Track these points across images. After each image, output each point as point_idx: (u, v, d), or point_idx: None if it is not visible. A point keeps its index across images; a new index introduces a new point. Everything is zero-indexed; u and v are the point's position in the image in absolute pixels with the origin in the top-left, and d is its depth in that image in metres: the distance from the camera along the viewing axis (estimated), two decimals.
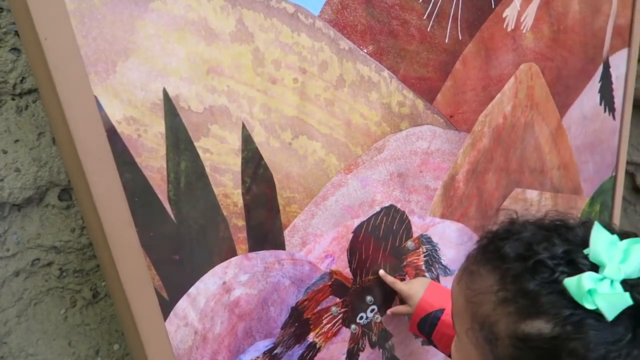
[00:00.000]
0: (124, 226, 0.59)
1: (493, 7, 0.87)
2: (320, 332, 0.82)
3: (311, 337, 0.81)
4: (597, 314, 0.43)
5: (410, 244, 0.89)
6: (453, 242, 0.96)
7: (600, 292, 0.43)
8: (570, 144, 1.13)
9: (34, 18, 0.48)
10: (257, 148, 0.67)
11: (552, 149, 1.09)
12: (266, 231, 0.71)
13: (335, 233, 0.79)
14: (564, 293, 0.45)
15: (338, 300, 0.83)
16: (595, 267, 0.45)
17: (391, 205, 0.84)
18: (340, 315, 0.84)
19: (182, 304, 0.66)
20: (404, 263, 0.90)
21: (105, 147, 0.55)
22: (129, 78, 0.56)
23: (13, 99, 0.93)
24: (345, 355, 0.87)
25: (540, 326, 0.46)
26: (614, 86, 1.17)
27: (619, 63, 1.16)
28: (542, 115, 1.03)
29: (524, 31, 0.93)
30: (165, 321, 0.65)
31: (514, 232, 0.52)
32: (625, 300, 0.43)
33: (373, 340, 0.90)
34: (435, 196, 0.90)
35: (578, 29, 1.03)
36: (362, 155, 0.78)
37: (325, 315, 0.82)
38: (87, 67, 0.53)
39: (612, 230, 0.47)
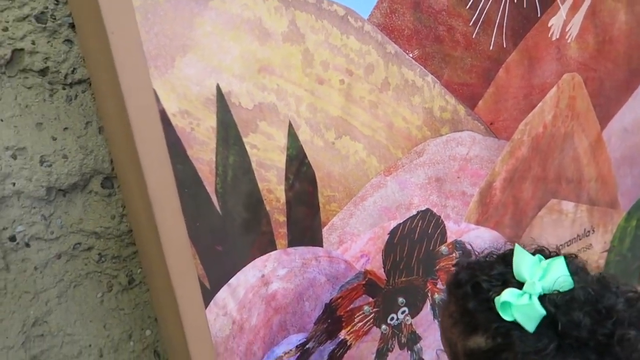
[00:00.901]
0: (173, 216, 0.61)
1: (539, 15, 0.87)
2: (351, 330, 0.83)
3: (343, 334, 0.83)
4: (521, 327, 0.48)
5: (444, 248, 0.90)
6: (488, 249, 0.96)
7: (516, 305, 0.48)
8: (610, 156, 1.11)
9: (102, 13, 0.51)
10: (301, 146, 0.69)
11: (591, 160, 1.08)
12: (306, 228, 0.73)
13: (372, 233, 0.80)
14: (495, 309, 0.50)
15: (370, 299, 0.84)
16: (521, 285, 0.50)
17: (427, 209, 0.85)
18: (372, 315, 0.85)
19: (223, 293, 0.68)
20: (437, 267, 0.90)
21: (160, 138, 0.58)
22: (185, 73, 0.58)
23: (64, 89, 0.97)
24: (374, 355, 0.88)
25: (478, 341, 0.51)
26: None
27: None
28: (582, 126, 1.03)
29: (568, 41, 0.93)
30: (206, 309, 0.67)
31: (470, 263, 0.58)
32: (539, 311, 0.47)
33: (402, 341, 0.91)
34: (472, 202, 0.90)
35: (623, 40, 1.02)
36: (402, 158, 0.79)
37: (358, 314, 0.83)
38: (148, 61, 0.55)
39: (543, 251, 0.54)
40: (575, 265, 0.53)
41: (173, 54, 0.57)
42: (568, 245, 1.13)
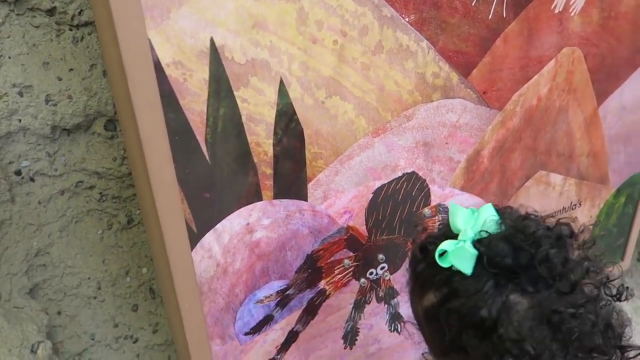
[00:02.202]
0: (163, 161, 0.64)
1: None
2: (331, 281, 0.88)
3: (322, 284, 0.88)
4: (459, 272, 0.52)
5: (427, 211, 0.93)
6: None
7: (450, 251, 0.52)
8: (604, 132, 1.12)
9: None
10: (291, 103, 0.71)
11: (584, 135, 1.09)
12: (291, 182, 0.76)
13: (356, 192, 0.83)
14: (438, 265, 0.53)
15: (351, 254, 0.88)
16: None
17: (413, 172, 0.88)
18: (351, 268, 0.89)
19: (208, 237, 0.73)
20: (418, 228, 0.94)
21: (154, 86, 0.60)
22: (180, 25, 0.60)
23: (70, 30, 0.99)
24: (352, 305, 0.93)
25: (430, 298, 0.55)
26: None
27: None
28: (578, 101, 1.03)
29: (572, 14, 0.92)
30: (192, 251, 0.72)
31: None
32: (470, 252, 0.51)
33: (380, 295, 0.96)
34: (458, 169, 0.93)
35: (630, 17, 1.01)
36: (391, 120, 0.81)
37: (338, 266, 0.88)
38: (144, 11, 0.57)
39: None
40: (503, 209, 0.57)
41: (169, 5, 0.59)
42: (552, 217, 1.15)
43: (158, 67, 0.60)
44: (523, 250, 0.51)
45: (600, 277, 0.54)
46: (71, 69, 1.00)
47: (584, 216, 1.22)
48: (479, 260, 0.52)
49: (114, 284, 1.21)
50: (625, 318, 0.55)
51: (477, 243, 0.52)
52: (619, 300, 0.55)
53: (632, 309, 1.55)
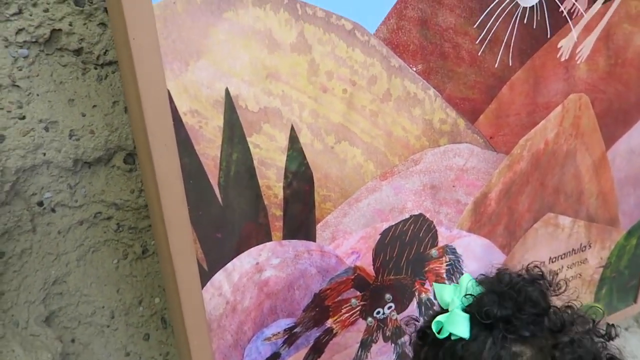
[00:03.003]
0: (178, 203, 0.68)
1: (549, 36, 0.89)
2: (338, 320, 0.90)
3: (329, 322, 0.89)
4: (459, 339, 0.55)
5: (434, 251, 0.95)
6: (477, 255, 1.01)
7: (445, 322, 0.56)
8: (613, 175, 1.13)
9: (126, 20, 0.57)
10: (302, 148, 0.74)
11: (593, 178, 1.10)
12: (300, 223, 0.78)
13: (364, 233, 0.85)
14: (439, 341, 0.58)
15: (358, 293, 0.90)
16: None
17: (420, 214, 0.90)
18: (358, 307, 0.91)
19: (219, 276, 0.75)
20: (426, 269, 0.95)
21: (171, 133, 0.64)
22: (197, 76, 0.64)
23: (95, 68, 1.05)
24: (358, 344, 0.94)
25: None
26: None
27: None
28: (586, 145, 1.05)
29: (578, 62, 0.95)
30: (202, 289, 0.74)
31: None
32: (461, 315, 0.55)
33: (387, 334, 0.97)
34: (465, 211, 0.95)
35: (637, 63, 1.03)
36: (399, 164, 0.84)
37: (345, 305, 0.89)
38: (164, 64, 0.61)
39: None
40: (481, 275, 0.61)
41: (187, 58, 0.62)
42: (562, 259, 1.16)
43: (175, 115, 0.64)
44: (506, 296, 0.55)
45: (584, 318, 0.57)
46: (94, 106, 1.05)
47: (594, 258, 1.22)
48: (472, 322, 0.55)
49: (127, 313, 1.24)
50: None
51: (466, 307, 0.56)
52: (610, 339, 0.57)
53: (638, 341, 1.53)
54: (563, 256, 1.15)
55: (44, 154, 1.03)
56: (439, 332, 0.56)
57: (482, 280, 0.60)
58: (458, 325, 0.55)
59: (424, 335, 0.60)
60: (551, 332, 0.54)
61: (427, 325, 0.60)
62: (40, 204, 1.07)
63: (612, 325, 0.59)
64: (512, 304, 0.55)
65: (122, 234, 1.19)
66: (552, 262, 1.14)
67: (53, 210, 1.09)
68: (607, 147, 1.09)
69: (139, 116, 0.64)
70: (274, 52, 0.67)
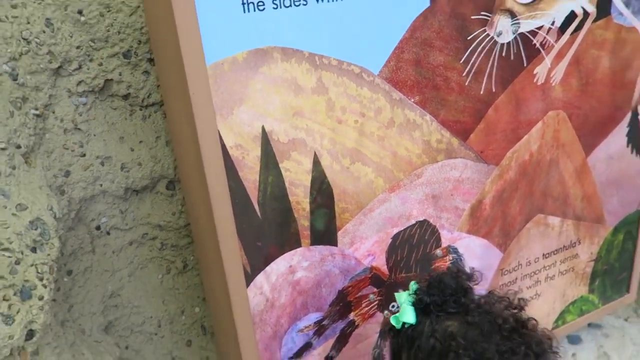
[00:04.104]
0: (226, 218, 0.84)
1: (525, 65, 1.05)
2: (359, 313, 1.05)
3: (352, 315, 1.05)
4: (410, 326, 0.77)
5: (438, 251, 1.10)
6: (477, 254, 1.16)
7: (398, 314, 0.79)
8: (595, 179, 1.28)
9: (187, 79, 0.74)
10: (323, 170, 0.91)
11: (576, 182, 1.25)
12: (324, 231, 0.95)
13: (377, 237, 1.01)
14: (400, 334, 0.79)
15: (375, 290, 1.05)
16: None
17: (425, 220, 1.06)
18: (376, 302, 1.06)
19: (260, 278, 0.91)
20: (432, 267, 1.11)
21: (221, 164, 0.81)
22: (240, 118, 0.81)
23: (140, 109, 1.23)
24: (377, 334, 1.09)
25: (403, 356, 0.78)
26: None
27: None
28: (567, 154, 1.20)
29: (553, 84, 1.11)
30: (247, 288, 0.90)
31: None
32: (409, 307, 0.77)
33: None
34: (463, 215, 1.10)
35: (607, 82, 1.19)
36: (404, 179, 1.00)
37: (365, 300, 1.05)
38: (215, 110, 0.78)
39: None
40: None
41: (232, 105, 0.80)
42: (555, 254, 1.30)
43: (224, 149, 0.81)
44: (432, 287, 0.77)
45: (502, 297, 0.79)
46: (141, 141, 1.23)
47: (585, 253, 1.36)
48: (416, 311, 0.76)
49: (172, 322, 1.41)
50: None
51: (412, 302, 0.78)
52: (522, 309, 0.78)
53: (638, 331, 1.65)
54: (555, 252, 1.30)
55: (101, 185, 1.20)
56: (397, 325, 0.77)
57: (417, 280, 0.82)
58: (407, 315, 0.76)
59: (391, 331, 0.80)
60: (468, 306, 0.75)
61: (388, 325, 0.81)
62: (98, 228, 1.25)
63: (523, 299, 0.80)
64: (437, 292, 0.76)
65: (165, 251, 1.36)
66: (546, 257, 1.29)
67: (108, 233, 1.27)
68: (587, 154, 1.24)
69: (194, 150, 0.81)
70: (299, 95, 0.84)
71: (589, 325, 1.66)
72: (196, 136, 0.79)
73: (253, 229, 0.88)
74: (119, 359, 1.30)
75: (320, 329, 1.02)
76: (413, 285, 0.81)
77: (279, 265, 0.93)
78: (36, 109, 1.07)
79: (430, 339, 0.72)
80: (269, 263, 0.92)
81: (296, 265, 0.94)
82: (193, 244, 1.35)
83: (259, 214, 0.88)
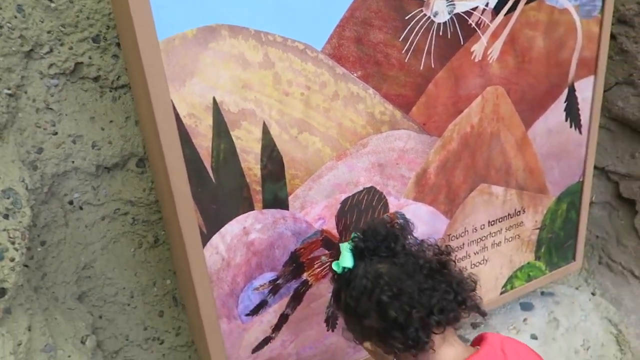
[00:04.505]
0: (183, 183, 0.92)
1: (462, 43, 1.15)
2: (312, 273, 1.14)
3: (305, 275, 1.14)
4: (349, 270, 0.85)
5: (386, 216, 1.19)
6: (424, 220, 1.25)
7: (339, 260, 0.87)
8: (536, 151, 1.38)
9: (141, 54, 0.82)
10: (272, 139, 0.99)
11: (518, 154, 1.35)
12: (276, 195, 1.03)
13: (327, 202, 1.10)
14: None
15: (327, 252, 1.14)
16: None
17: (372, 187, 1.15)
18: (327, 263, 1.15)
19: (215, 238, 1.00)
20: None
21: (175, 132, 0.89)
22: (192, 90, 0.89)
23: (110, 91, 1.31)
24: (330, 294, 1.18)
25: (342, 295, 0.86)
26: (580, 106, 1.41)
27: (584, 88, 1.39)
28: (507, 127, 1.30)
29: (490, 62, 1.20)
30: (203, 248, 0.99)
31: None
32: (347, 253, 0.86)
33: None
34: (409, 183, 1.19)
35: (543, 60, 1.28)
36: (350, 148, 1.09)
37: (317, 262, 1.14)
38: (168, 82, 0.86)
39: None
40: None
41: (184, 78, 0.88)
42: (500, 222, 1.40)
43: (178, 118, 0.89)
44: (367, 234, 0.86)
45: (432, 245, 0.88)
46: (111, 121, 1.31)
47: (529, 221, 1.46)
48: (354, 257, 0.85)
49: (144, 293, 1.49)
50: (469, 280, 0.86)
51: (354, 246, 0.86)
52: (448, 253, 0.87)
53: (593, 306, 1.76)
54: (500, 220, 1.40)
55: (73, 162, 1.28)
56: (338, 270, 0.86)
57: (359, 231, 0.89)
58: (345, 260, 0.85)
59: (334, 277, 0.89)
60: (397, 251, 0.84)
61: (336, 281, 0.89)
62: (71, 202, 1.33)
63: (449, 245, 0.89)
64: (371, 238, 0.85)
65: (137, 226, 1.44)
66: (491, 225, 1.39)
67: (81, 208, 1.35)
68: (526, 128, 1.34)
69: (151, 120, 0.89)
70: (247, 69, 0.93)
71: (542, 293, 1.77)
72: (151, 106, 0.87)
73: (208, 192, 0.96)
74: (93, 326, 1.38)
75: (274, 287, 1.11)
76: (353, 235, 0.89)
77: (233, 227, 1.01)
78: (8, 89, 1.14)
79: (363, 279, 0.81)
80: (223, 225, 1.00)
81: (249, 227, 1.03)
82: (163, 219, 1.43)
83: (212, 178, 0.96)
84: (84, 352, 1.24)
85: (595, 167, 1.85)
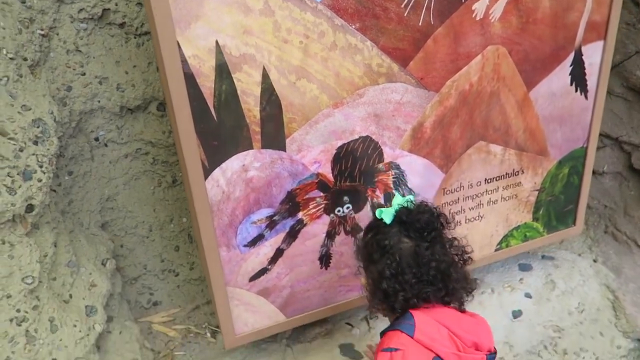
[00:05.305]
0: (187, 119, 1.02)
1: (463, 1, 1.18)
2: (307, 213, 1.23)
3: (300, 214, 1.23)
4: (385, 224, 0.96)
5: (381, 166, 1.26)
6: (419, 172, 1.31)
7: (384, 210, 0.97)
8: (538, 113, 1.41)
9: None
10: (271, 83, 1.07)
11: (518, 115, 1.38)
12: (273, 137, 1.12)
13: (323, 147, 1.18)
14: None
15: (322, 194, 1.23)
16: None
17: (367, 136, 1.22)
18: (322, 205, 1.24)
19: (217, 172, 1.10)
20: (376, 179, 1.27)
21: (180, 71, 0.98)
22: (197, 32, 0.98)
23: (135, 38, 1.41)
24: (324, 234, 1.28)
25: (367, 236, 1.02)
26: (587, 71, 1.41)
27: (592, 53, 1.39)
28: (508, 87, 1.33)
29: (492, 20, 1.23)
30: (205, 180, 1.09)
31: None
32: (393, 212, 0.96)
33: (347, 229, 1.30)
34: (405, 135, 1.26)
35: (548, 22, 1.30)
36: (347, 97, 1.16)
37: (312, 203, 1.23)
38: (175, 25, 0.95)
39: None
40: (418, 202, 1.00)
41: (189, 20, 0.96)
42: (497, 180, 1.44)
43: (183, 58, 0.98)
44: (413, 213, 0.96)
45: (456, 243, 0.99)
46: (134, 66, 1.42)
47: (528, 182, 1.50)
48: (395, 218, 0.95)
49: (162, 228, 1.62)
50: (474, 280, 0.99)
51: (398, 210, 0.97)
52: (464, 262, 0.99)
53: (593, 272, 1.79)
54: (497, 178, 1.44)
55: (99, 101, 1.40)
56: (378, 215, 0.98)
57: (415, 203, 1.01)
58: (387, 215, 0.96)
59: (370, 226, 1.02)
60: (425, 239, 0.94)
61: (373, 220, 1.02)
62: (96, 139, 1.46)
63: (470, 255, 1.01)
64: (414, 218, 0.95)
65: (157, 166, 1.56)
66: (488, 182, 1.43)
67: (106, 145, 1.48)
68: (528, 89, 1.36)
69: (160, 60, 0.99)
70: (248, 15, 1.00)
71: (542, 257, 1.81)
72: (159, 46, 0.96)
73: (210, 129, 1.06)
74: (114, 253, 1.53)
75: (271, 223, 1.21)
76: (410, 197, 1.00)
77: (233, 163, 1.11)
78: (42, 30, 1.26)
79: (385, 240, 0.94)
80: (224, 160, 1.10)
81: (248, 165, 1.12)
82: (179, 161, 1.55)
83: (214, 117, 1.05)
84: (104, 272, 1.38)
85: (609, 137, 1.84)
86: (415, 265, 0.92)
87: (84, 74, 1.36)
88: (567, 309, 1.68)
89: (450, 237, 0.99)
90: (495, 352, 0.95)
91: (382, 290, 0.93)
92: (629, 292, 1.72)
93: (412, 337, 0.87)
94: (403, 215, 0.96)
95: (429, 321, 0.89)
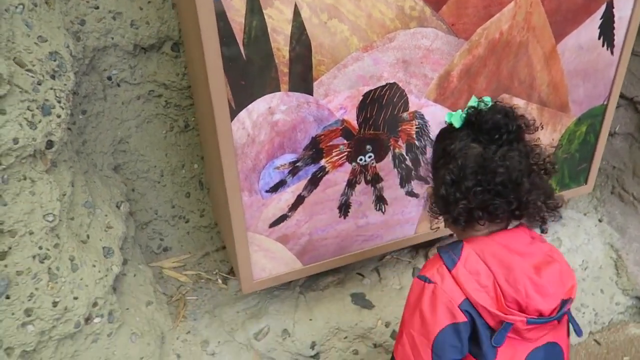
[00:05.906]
0: (216, 54, 0.98)
1: None
2: (329, 160, 1.21)
3: (323, 162, 1.21)
4: (455, 128, 0.87)
5: (405, 115, 1.24)
6: (442, 122, 1.29)
7: (454, 114, 0.88)
8: (563, 67, 1.38)
9: None
10: (302, 21, 1.03)
11: (544, 68, 1.36)
12: (301, 79, 1.09)
13: (350, 93, 1.15)
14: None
15: (345, 141, 1.21)
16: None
17: (394, 83, 1.19)
18: (345, 153, 1.22)
19: (243, 114, 1.07)
20: (399, 129, 1.25)
21: (210, 3, 0.93)
22: None
23: None
24: (345, 183, 1.26)
25: (436, 140, 0.94)
26: (615, 25, 1.38)
27: (623, 6, 1.36)
28: (537, 38, 1.30)
29: None
30: (231, 122, 1.06)
31: None
32: (462, 115, 0.86)
33: (368, 178, 1.29)
34: (431, 84, 1.23)
35: None
36: (377, 41, 1.12)
37: (335, 150, 1.21)
38: None
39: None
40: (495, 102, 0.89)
41: None
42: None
43: None
44: (486, 114, 0.85)
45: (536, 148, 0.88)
46: (149, 2, 1.35)
47: (546, 138, 1.49)
48: (465, 121, 0.87)
49: (173, 173, 1.60)
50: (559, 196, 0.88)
51: (468, 113, 0.87)
52: (546, 172, 0.88)
53: (598, 231, 1.82)
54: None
55: (112, 38, 1.34)
56: (448, 120, 0.89)
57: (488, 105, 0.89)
58: (457, 119, 0.87)
59: (440, 132, 0.94)
60: (496, 142, 0.84)
61: (444, 127, 0.93)
62: (109, 78, 1.40)
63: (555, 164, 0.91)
64: (484, 120, 0.84)
65: (169, 109, 1.52)
66: None
67: (118, 85, 1.43)
68: (557, 41, 1.33)
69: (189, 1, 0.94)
70: None
71: None
72: None
73: (238, 68, 1.02)
74: (127, 196, 1.51)
75: (294, 169, 1.19)
76: (479, 102, 0.88)
77: (259, 105, 1.08)
78: None
79: (453, 144, 0.86)
80: (251, 102, 1.07)
81: (275, 108, 1.09)
82: (194, 106, 1.51)
83: (243, 55, 1.01)
84: (119, 215, 1.36)
85: (624, 97, 1.83)
86: (481, 171, 0.82)
87: (97, 8, 1.30)
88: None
89: (531, 144, 0.87)
90: (570, 299, 0.86)
91: (442, 198, 0.86)
92: (632, 252, 1.75)
93: (450, 271, 0.84)
94: (472, 117, 0.85)
95: (476, 261, 0.83)
